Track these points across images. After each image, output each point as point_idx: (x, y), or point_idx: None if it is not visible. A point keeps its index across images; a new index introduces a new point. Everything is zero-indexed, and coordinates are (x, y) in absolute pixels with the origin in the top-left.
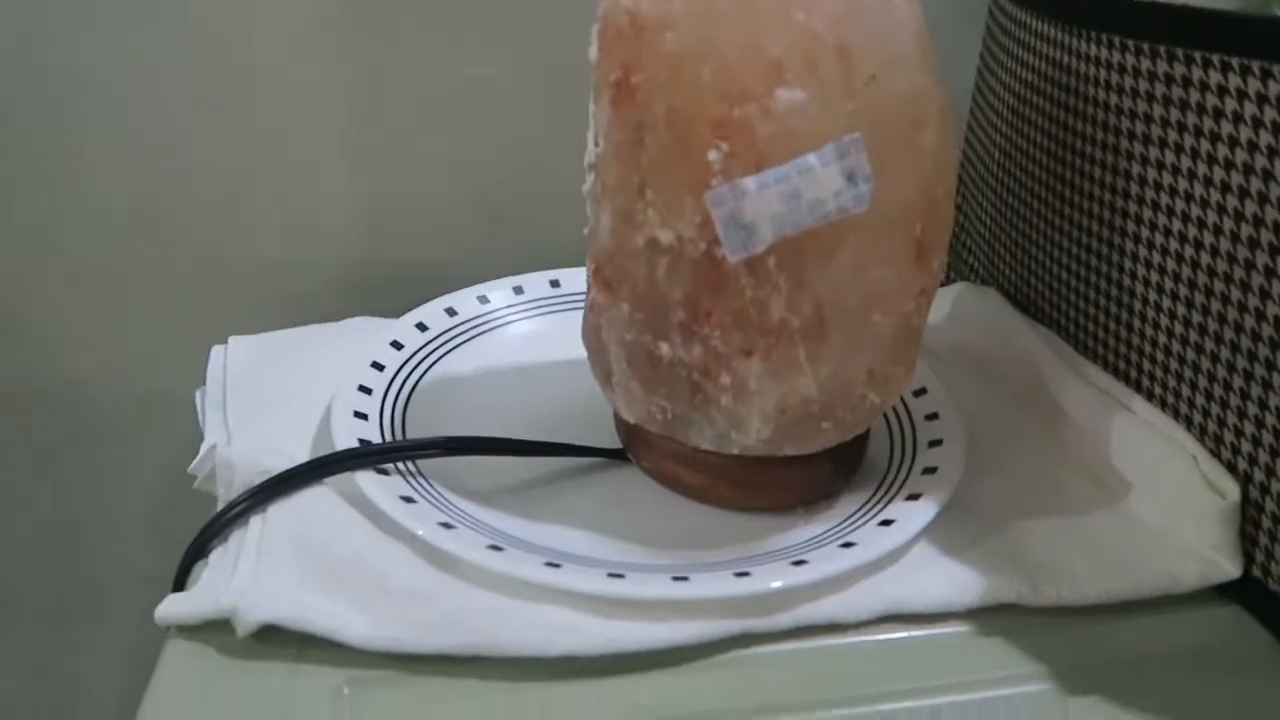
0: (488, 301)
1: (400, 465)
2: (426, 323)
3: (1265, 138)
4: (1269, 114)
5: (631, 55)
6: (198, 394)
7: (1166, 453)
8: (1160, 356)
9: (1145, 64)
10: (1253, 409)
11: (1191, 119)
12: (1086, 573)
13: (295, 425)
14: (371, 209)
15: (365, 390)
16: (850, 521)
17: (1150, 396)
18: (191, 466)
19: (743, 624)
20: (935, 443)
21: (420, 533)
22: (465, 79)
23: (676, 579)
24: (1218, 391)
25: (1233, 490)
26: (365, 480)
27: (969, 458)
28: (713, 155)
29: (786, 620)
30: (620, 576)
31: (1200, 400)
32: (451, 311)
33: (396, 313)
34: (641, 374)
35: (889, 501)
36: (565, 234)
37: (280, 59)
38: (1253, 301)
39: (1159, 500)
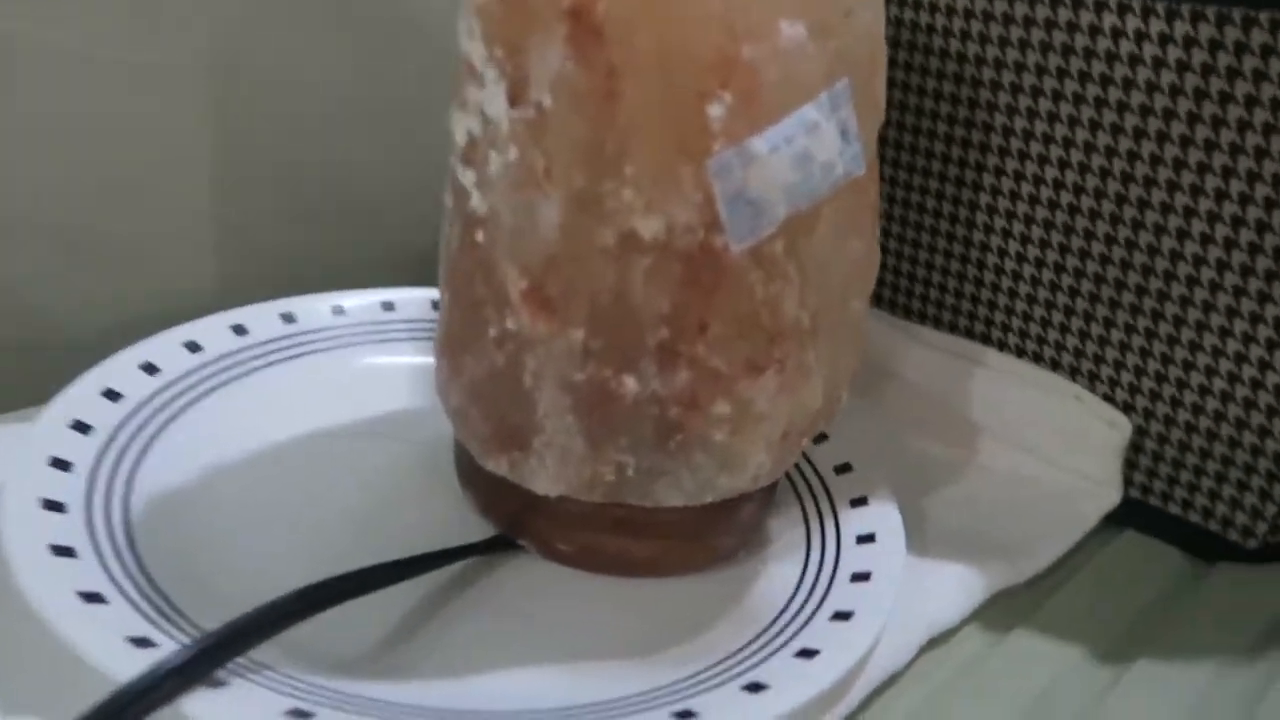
0: (157, 371)
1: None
2: (87, 419)
3: (1098, 67)
4: (1102, 44)
5: None
6: None
7: (1040, 398)
8: (1020, 306)
9: (980, 4)
10: (1120, 336)
11: (1033, 57)
12: (1027, 537)
13: None
14: None
15: (65, 552)
16: (821, 550)
17: (1001, 348)
18: None
19: None
20: (820, 438)
21: None
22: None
23: (681, 715)
24: (1093, 329)
25: (1123, 421)
26: (214, 710)
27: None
28: (714, 110)
29: (856, 696)
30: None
31: (1071, 341)
32: (113, 395)
33: None
34: (591, 424)
35: (835, 514)
36: (167, 262)
37: None
38: (1103, 229)
39: (1043, 447)
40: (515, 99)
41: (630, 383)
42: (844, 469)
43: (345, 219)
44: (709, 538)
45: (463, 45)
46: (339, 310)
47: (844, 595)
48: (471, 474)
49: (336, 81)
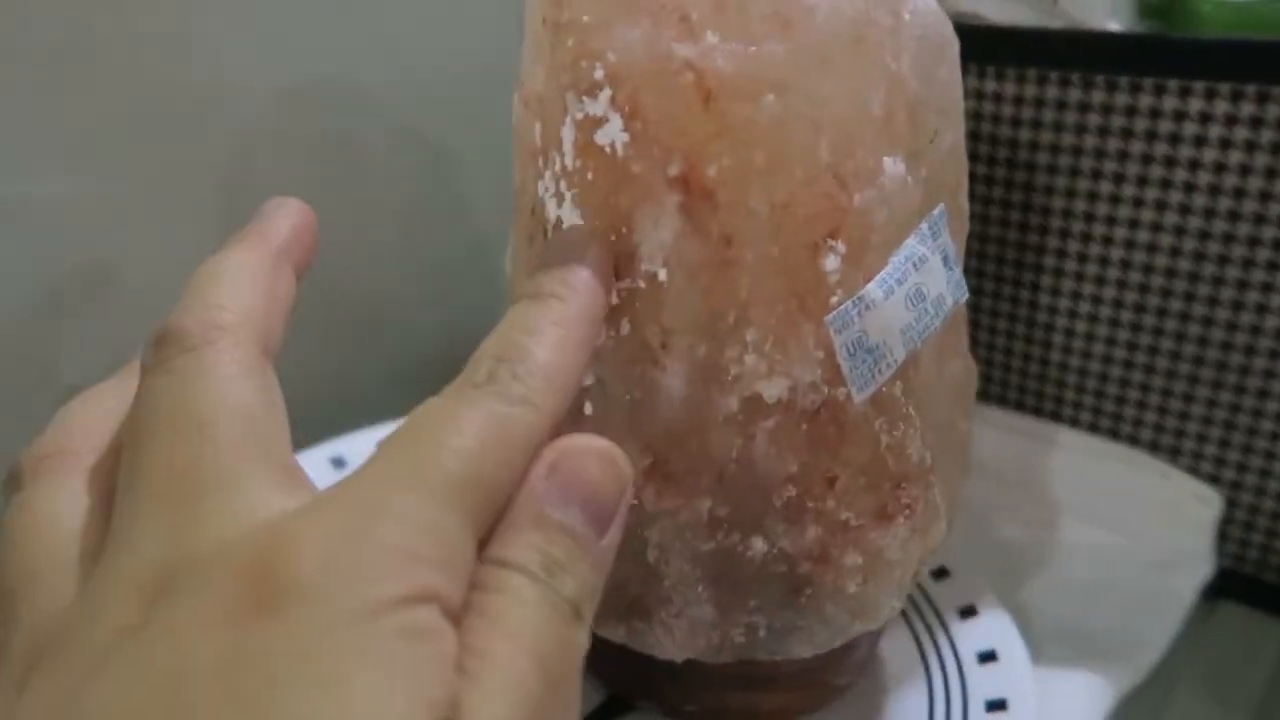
0: None
1: None
2: None
3: (1161, 149)
4: (1164, 127)
5: (703, 136)
6: None
7: (1122, 475)
8: (1092, 384)
9: (1031, 91)
10: (1201, 411)
11: (1091, 142)
12: (1132, 623)
13: None
14: None
15: None
16: (943, 672)
17: (1074, 426)
18: None
19: None
20: (941, 573)
21: None
22: None
23: None
24: (1172, 405)
25: (1214, 497)
26: None
27: None
28: (829, 262)
29: None
30: None
31: (1149, 417)
32: None
33: None
34: (721, 590)
35: (946, 628)
36: None
37: None
38: (1176, 306)
39: (1128, 523)
40: (621, 271)
41: (758, 543)
42: (941, 574)
43: (376, 336)
44: (832, 678)
45: (549, 209)
46: None
47: None
48: None
49: (352, 198)
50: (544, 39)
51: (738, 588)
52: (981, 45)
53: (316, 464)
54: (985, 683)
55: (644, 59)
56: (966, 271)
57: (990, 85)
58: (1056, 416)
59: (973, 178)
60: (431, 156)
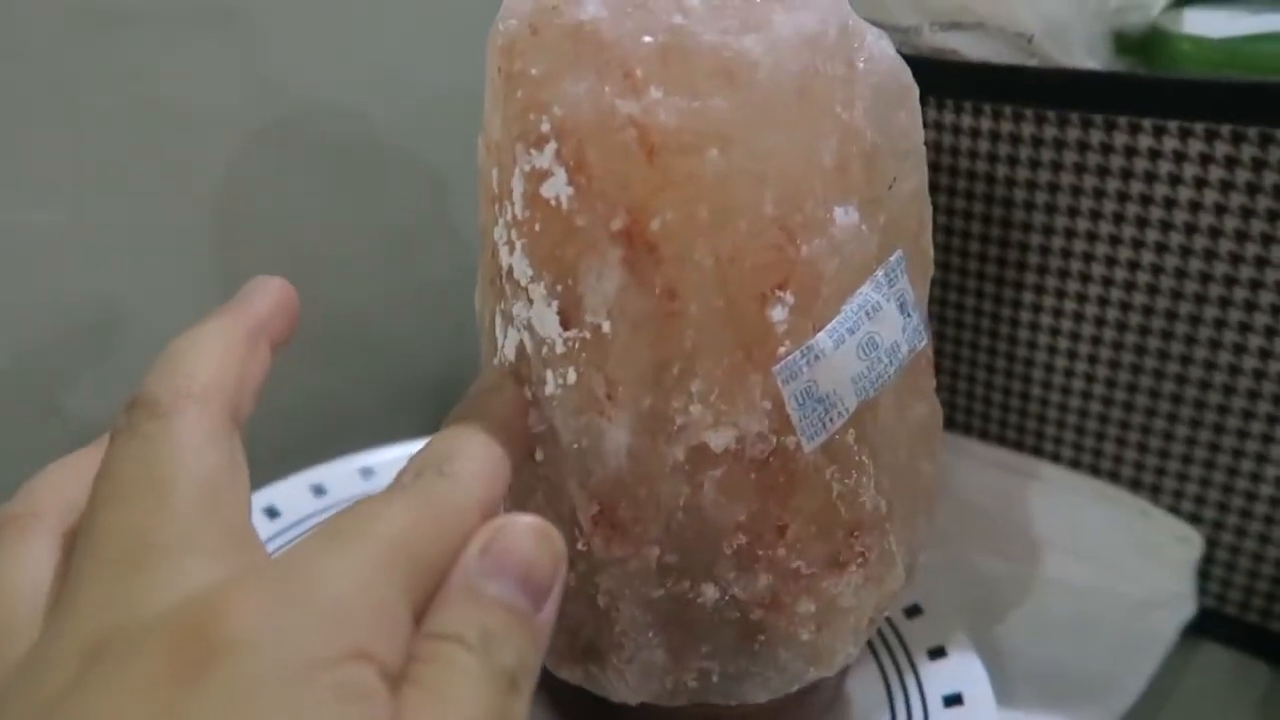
0: None
1: None
2: None
3: (1137, 187)
4: (1139, 165)
5: (646, 190)
6: None
7: (1102, 512)
8: (1072, 419)
9: (1007, 127)
10: (1181, 450)
11: (1067, 179)
12: (1109, 664)
13: None
14: None
15: None
16: (908, 713)
17: (1055, 461)
18: None
19: None
20: (914, 611)
21: None
22: None
23: None
24: (1152, 442)
25: (1195, 536)
26: None
27: None
28: (776, 312)
29: None
30: None
31: (1130, 454)
32: None
33: None
34: (672, 636)
35: (915, 669)
36: None
37: None
38: (1155, 344)
39: (1109, 560)
40: (568, 321)
41: (709, 590)
42: (914, 611)
43: (366, 358)
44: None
45: (502, 256)
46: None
47: None
48: (542, 677)
49: (343, 221)
50: (499, 88)
51: (689, 634)
52: (958, 81)
53: (296, 490)
54: None
55: (589, 113)
56: (945, 306)
57: (967, 120)
58: (1038, 452)
59: (951, 213)
60: (422, 180)
